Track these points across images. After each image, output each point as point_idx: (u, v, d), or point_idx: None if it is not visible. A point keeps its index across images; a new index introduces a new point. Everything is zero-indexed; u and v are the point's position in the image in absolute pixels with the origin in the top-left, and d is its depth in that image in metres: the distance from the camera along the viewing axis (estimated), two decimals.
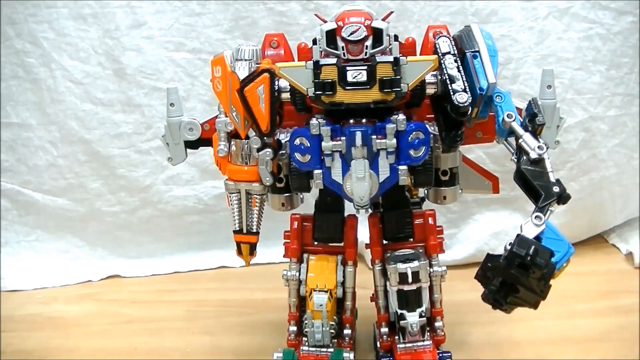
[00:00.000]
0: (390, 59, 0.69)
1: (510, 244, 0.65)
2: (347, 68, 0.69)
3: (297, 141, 0.72)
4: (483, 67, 0.71)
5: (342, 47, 0.70)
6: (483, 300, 0.69)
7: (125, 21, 1.14)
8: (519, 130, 0.70)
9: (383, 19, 0.71)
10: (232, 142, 0.77)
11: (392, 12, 0.73)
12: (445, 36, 0.74)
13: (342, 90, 0.69)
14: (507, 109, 0.71)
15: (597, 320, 0.99)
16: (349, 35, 0.69)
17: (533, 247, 0.64)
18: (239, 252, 0.81)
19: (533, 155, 0.68)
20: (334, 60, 0.69)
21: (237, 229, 0.79)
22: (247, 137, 0.75)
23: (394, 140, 0.71)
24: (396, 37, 0.71)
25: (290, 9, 1.13)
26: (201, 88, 1.18)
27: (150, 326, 1.05)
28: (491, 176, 0.87)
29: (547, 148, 0.68)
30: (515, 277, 0.64)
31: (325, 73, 0.69)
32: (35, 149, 1.22)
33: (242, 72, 0.73)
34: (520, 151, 0.69)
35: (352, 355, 0.81)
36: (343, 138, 0.71)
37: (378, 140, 0.71)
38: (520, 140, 0.69)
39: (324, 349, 0.81)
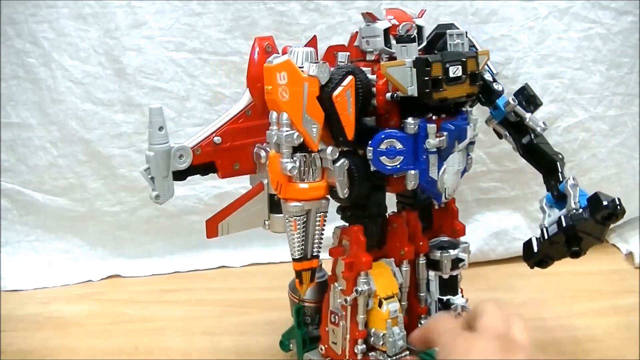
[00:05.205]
0: (474, 53, 0.72)
1: (574, 210, 0.72)
2: (449, 64, 0.69)
3: (384, 145, 0.69)
4: None
5: None
6: (536, 264, 0.78)
7: (125, 21, 1.14)
8: (523, 112, 0.79)
9: (418, 17, 0.74)
10: (295, 157, 0.67)
11: (425, 11, 0.75)
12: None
13: (445, 86, 0.69)
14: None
15: (597, 320, 0.99)
16: (405, 33, 0.70)
17: (614, 198, 0.70)
18: (300, 282, 0.71)
19: (539, 130, 0.79)
20: (439, 57, 0.69)
21: (300, 256, 0.69)
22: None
23: (477, 131, 0.76)
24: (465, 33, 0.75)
25: (290, 9, 1.13)
26: (201, 88, 1.18)
27: (150, 326, 1.04)
28: None
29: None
30: (597, 228, 0.72)
31: (435, 70, 0.68)
32: (36, 149, 1.21)
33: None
34: (524, 130, 0.80)
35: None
36: (445, 133, 0.70)
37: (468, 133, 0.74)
38: (527, 121, 0.79)
39: (399, 355, 0.76)
